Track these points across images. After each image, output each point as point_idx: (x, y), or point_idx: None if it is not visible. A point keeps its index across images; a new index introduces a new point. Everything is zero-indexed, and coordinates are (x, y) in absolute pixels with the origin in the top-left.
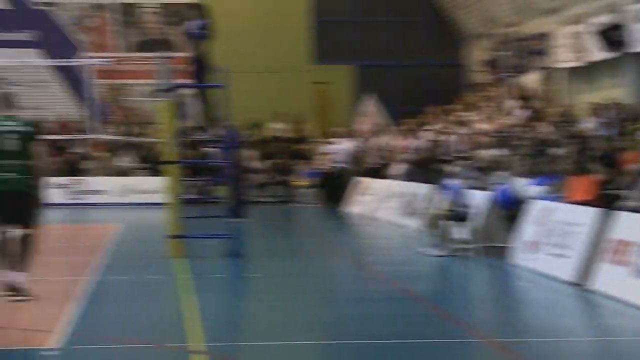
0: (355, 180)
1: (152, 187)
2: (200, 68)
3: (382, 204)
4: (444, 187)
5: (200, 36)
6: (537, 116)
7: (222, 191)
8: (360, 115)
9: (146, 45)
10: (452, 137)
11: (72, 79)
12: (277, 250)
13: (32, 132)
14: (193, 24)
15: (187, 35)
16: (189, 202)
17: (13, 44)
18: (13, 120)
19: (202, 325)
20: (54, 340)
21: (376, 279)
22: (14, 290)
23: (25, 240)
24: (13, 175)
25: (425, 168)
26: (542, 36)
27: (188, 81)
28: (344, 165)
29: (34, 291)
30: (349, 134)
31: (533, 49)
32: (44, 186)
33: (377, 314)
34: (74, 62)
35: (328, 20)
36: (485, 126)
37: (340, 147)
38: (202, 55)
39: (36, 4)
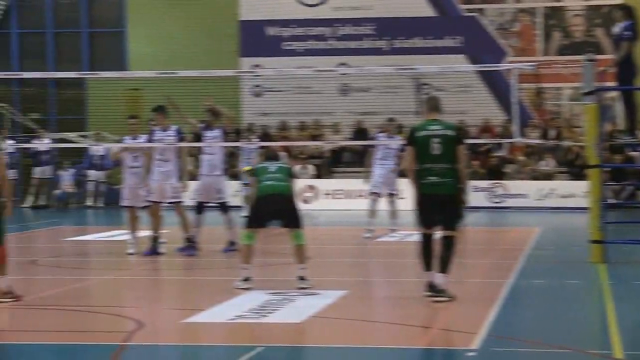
0: None
1: (573, 191)
2: (625, 70)
3: None
4: None
5: (626, 38)
6: None
7: None
8: None
9: (570, 48)
10: None
11: (497, 83)
12: None
13: (456, 136)
14: (619, 26)
15: (613, 37)
16: (611, 206)
17: (439, 50)
18: (439, 124)
19: (620, 332)
20: (472, 341)
21: None
22: (436, 291)
23: (448, 243)
24: (438, 178)
25: None
26: None
27: (612, 84)
28: None
29: (454, 292)
30: None
31: None
32: (467, 189)
33: None
34: (499, 66)
35: None
36: None
37: None
38: (627, 57)
39: (463, 10)
